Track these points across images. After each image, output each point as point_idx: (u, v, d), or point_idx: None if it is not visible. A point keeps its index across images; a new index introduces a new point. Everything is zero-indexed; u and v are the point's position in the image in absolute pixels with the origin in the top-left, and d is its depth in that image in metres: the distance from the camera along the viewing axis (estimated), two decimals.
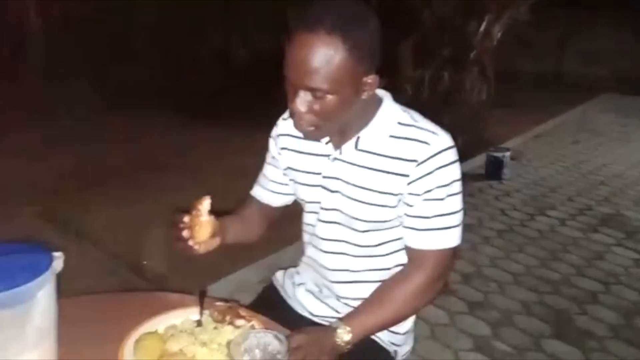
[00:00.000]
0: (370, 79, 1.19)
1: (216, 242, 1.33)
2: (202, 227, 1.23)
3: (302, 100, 1.17)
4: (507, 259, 3.68)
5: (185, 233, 1.24)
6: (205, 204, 1.23)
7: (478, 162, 5.33)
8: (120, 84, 6.66)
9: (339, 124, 1.24)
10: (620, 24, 11.13)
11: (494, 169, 5.23)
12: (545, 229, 4.19)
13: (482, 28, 5.76)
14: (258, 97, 6.99)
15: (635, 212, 4.62)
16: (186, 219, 1.25)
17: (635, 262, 3.71)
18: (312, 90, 1.14)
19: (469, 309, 3.06)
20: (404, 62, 5.71)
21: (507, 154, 5.29)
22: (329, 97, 1.15)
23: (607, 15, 11.42)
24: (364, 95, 1.21)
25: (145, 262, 3.28)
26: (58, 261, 0.96)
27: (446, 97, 5.68)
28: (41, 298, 0.92)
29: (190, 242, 1.25)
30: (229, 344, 1.09)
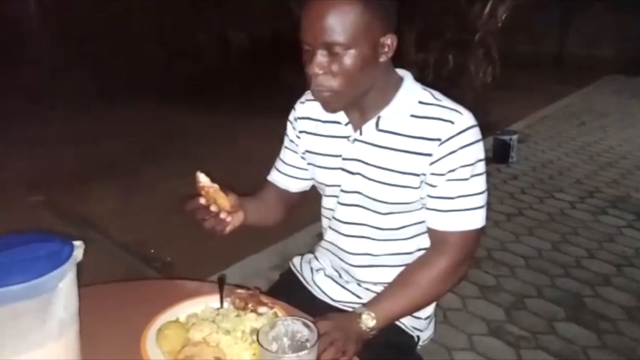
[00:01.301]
0: (388, 39, 1.18)
1: (241, 217, 1.32)
2: (219, 196, 1.22)
3: (320, 62, 1.15)
4: (518, 242, 3.66)
5: (213, 208, 1.21)
6: (202, 176, 1.21)
7: (485, 145, 5.25)
8: (119, 72, 6.63)
9: (357, 91, 1.21)
10: (622, 5, 11.05)
11: (502, 153, 5.20)
12: (555, 212, 4.16)
13: (486, 10, 5.71)
14: (258, 83, 6.98)
15: None
16: (202, 200, 1.21)
17: None
18: (329, 46, 1.12)
19: (481, 293, 3.04)
20: (408, 45, 5.65)
21: (515, 137, 5.25)
22: (347, 54, 1.13)
23: None
24: (382, 58, 1.19)
25: (152, 250, 3.25)
26: (78, 250, 0.94)
27: (451, 80, 5.64)
28: (63, 288, 0.89)
29: (222, 215, 1.22)
30: (252, 331, 1.07)
